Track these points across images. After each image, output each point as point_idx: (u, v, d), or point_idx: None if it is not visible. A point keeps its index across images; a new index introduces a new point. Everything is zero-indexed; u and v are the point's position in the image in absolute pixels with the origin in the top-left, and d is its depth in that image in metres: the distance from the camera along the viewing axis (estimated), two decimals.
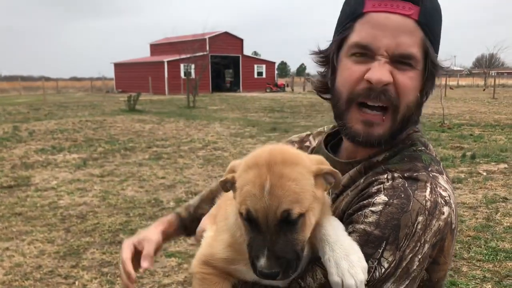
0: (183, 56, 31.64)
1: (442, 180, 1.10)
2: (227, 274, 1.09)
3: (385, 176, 1.09)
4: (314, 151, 1.39)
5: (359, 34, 1.09)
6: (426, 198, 1.02)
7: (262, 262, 0.90)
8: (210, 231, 1.21)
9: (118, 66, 51.04)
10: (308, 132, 1.53)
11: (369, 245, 0.99)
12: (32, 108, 24.16)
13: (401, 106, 1.10)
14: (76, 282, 4.22)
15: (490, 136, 12.39)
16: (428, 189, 1.04)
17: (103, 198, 6.85)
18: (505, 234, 5.20)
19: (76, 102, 30.27)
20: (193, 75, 30.92)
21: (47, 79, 67.60)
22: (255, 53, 60.80)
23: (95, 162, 9.57)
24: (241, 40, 47.66)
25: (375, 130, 1.11)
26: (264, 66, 48.69)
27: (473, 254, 4.66)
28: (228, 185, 1.02)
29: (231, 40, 46.27)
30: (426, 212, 1.01)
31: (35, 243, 5.14)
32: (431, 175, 1.08)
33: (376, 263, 0.98)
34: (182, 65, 39.80)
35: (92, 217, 5.98)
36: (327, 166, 1.03)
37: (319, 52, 1.22)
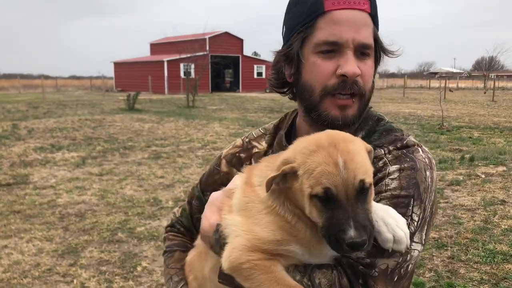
0: (183, 56, 31.64)
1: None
2: (277, 257, 1.09)
3: (382, 152, 1.23)
4: (272, 151, 1.40)
5: (325, 32, 1.18)
6: (423, 156, 1.22)
7: (352, 233, 0.95)
8: (234, 220, 1.15)
9: (118, 65, 51.02)
10: (243, 138, 1.53)
11: (400, 206, 1.13)
12: (31, 106, 24.14)
13: (366, 91, 1.24)
14: (74, 281, 4.22)
15: (489, 139, 12.41)
16: (420, 149, 1.23)
17: (101, 196, 6.86)
18: (503, 236, 5.21)
19: (76, 100, 30.26)
20: (192, 75, 30.90)
21: (47, 77, 67.53)
22: (255, 53, 60.68)
23: (94, 160, 9.57)
24: (241, 40, 47.68)
25: (349, 112, 1.23)
26: (264, 66, 48.65)
27: (470, 256, 4.67)
28: (287, 177, 1.04)
29: (231, 40, 46.28)
30: (429, 167, 1.20)
31: (34, 241, 5.14)
32: (411, 138, 1.27)
33: (409, 219, 1.12)
34: (182, 65, 39.79)
35: (90, 216, 5.98)
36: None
37: (282, 51, 1.29)
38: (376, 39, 1.24)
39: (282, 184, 1.06)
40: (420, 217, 1.14)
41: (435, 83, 54.80)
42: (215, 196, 1.30)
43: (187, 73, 29.38)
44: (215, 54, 42.19)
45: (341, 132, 1.10)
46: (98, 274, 4.36)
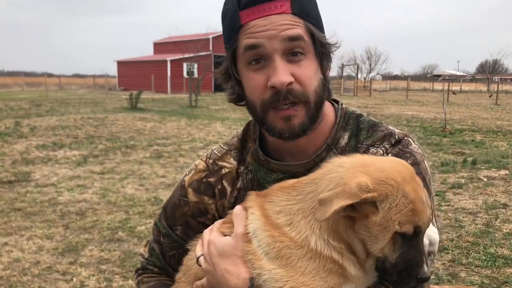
0: (186, 55, 31.70)
1: None
2: None
3: (380, 152, 1.22)
4: (246, 167, 1.31)
5: (245, 40, 1.13)
6: (416, 147, 1.23)
7: (425, 268, 0.98)
8: (273, 273, 1.01)
9: (121, 64, 51.10)
10: (205, 160, 1.38)
11: None
12: (34, 104, 24.19)
13: (309, 96, 1.14)
14: (74, 279, 4.21)
15: (491, 142, 12.37)
16: (411, 141, 1.24)
17: (103, 195, 6.86)
18: (504, 240, 5.19)
19: (78, 99, 30.31)
20: (195, 75, 30.92)
21: (50, 75, 67.66)
22: None
23: (96, 159, 9.57)
24: None
25: (294, 122, 1.15)
26: None
27: (471, 260, 4.65)
28: (363, 207, 0.95)
29: None
30: (424, 157, 1.23)
31: (34, 239, 5.14)
32: (396, 130, 1.27)
33: None
34: (185, 64, 39.85)
35: (91, 214, 5.98)
36: None
37: (220, 71, 1.26)
38: (312, 34, 1.14)
39: (348, 213, 0.97)
40: (432, 208, 1.16)
41: (438, 86, 54.74)
42: (228, 244, 1.11)
43: (190, 72, 29.44)
44: (218, 54, 42.17)
45: (403, 161, 1.06)
46: (98, 272, 4.35)
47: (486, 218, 5.94)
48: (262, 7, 1.11)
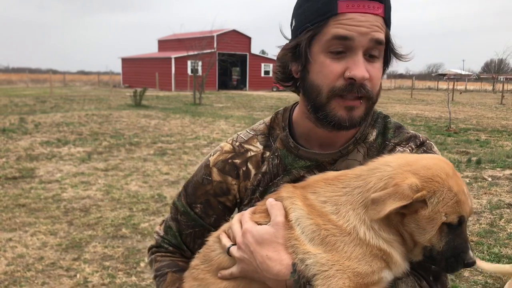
0: (190, 53, 31.69)
1: None
2: None
3: (407, 150, 1.28)
4: (274, 152, 1.34)
5: (337, 29, 1.15)
6: (436, 150, 1.30)
7: (471, 253, 1.06)
8: (318, 257, 1.04)
9: (125, 61, 51.17)
10: (231, 142, 1.42)
11: None
12: (39, 101, 24.27)
13: (374, 95, 1.22)
14: (78, 275, 4.23)
15: (496, 142, 12.32)
16: (432, 144, 1.31)
17: (106, 192, 6.88)
18: (508, 240, 5.17)
19: (83, 95, 30.39)
20: (200, 72, 30.94)
21: (55, 72, 67.92)
22: (263, 51, 60.68)
23: (100, 156, 9.60)
24: (249, 39, 47.64)
25: (356, 113, 1.20)
26: (271, 65, 48.57)
27: None
28: (414, 204, 1.02)
29: (239, 38, 46.25)
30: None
31: (38, 234, 5.16)
32: (418, 134, 1.33)
33: None
34: (189, 62, 39.86)
35: (95, 211, 6.00)
36: None
37: (289, 47, 1.25)
38: (388, 41, 1.22)
39: (401, 210, 1.03)
40: None
41: (443, 85, 54.52)
42: (267, 232, 1.13)
43: (194, 70, 29.46)
44: (223, 51, 42.20)
45: (443, 158, 1.14)
46: (101, 269, 4.36)
47: (490, 218, 5.92)
48: (362, 3, 1.14)
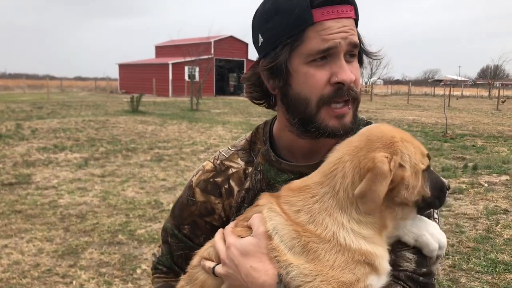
0: (187, 59, 31.71)
1: None
2: None
3: None
4: (255, 169, 1.32)
5: (317, 40, 1.13)
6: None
7: (444, 179, 1.16)
8: (301, 268, 1.02)
9: (122, 67, 51.16)
10: (212, 161, 1.41)
11: None
12: (36, 107, 24.22)
13: (359, 95, 1.22)
14: (74, 282, 4.21)
15: (492, 148, 12.36)
16: None
17: (103, 198, 6.86)
18: (505, 246, 5.18)
19: (80, 101, 30.34)
20: (197, 78, 30.96)
21: (52, 78, 67.83)
22: None
23: (97, 162, 9.58)
24: (246, 45, 47.72)
25: (347, 120, 1.20)
26: None
27: (472, 266, 4.64)
28: (396, 172, 1.05)
29: (236, 44, 46.35)
30: None
31: (34, 241, 5.14)
32: None
33: (432, 219, 1.22)
34: (186, 68, 39.89)
35: (91, 217, 5.98)
36: None
37: (266, 64, 1.21)
38: (361, 42, 1.22)
39: (389, 186, 1.03)
40: (438, 214, 1.27)
41: (439, 91, 54.74)
42: (250, 243, 1.11)
43: (191, 76, 29.51)
44: (220, 57, 42.27)
45: (380, 123, 1.20)
46: (97, 275, 4.35)
47: (486, 223, 5.93)
48: (336, 8, 1.14)
